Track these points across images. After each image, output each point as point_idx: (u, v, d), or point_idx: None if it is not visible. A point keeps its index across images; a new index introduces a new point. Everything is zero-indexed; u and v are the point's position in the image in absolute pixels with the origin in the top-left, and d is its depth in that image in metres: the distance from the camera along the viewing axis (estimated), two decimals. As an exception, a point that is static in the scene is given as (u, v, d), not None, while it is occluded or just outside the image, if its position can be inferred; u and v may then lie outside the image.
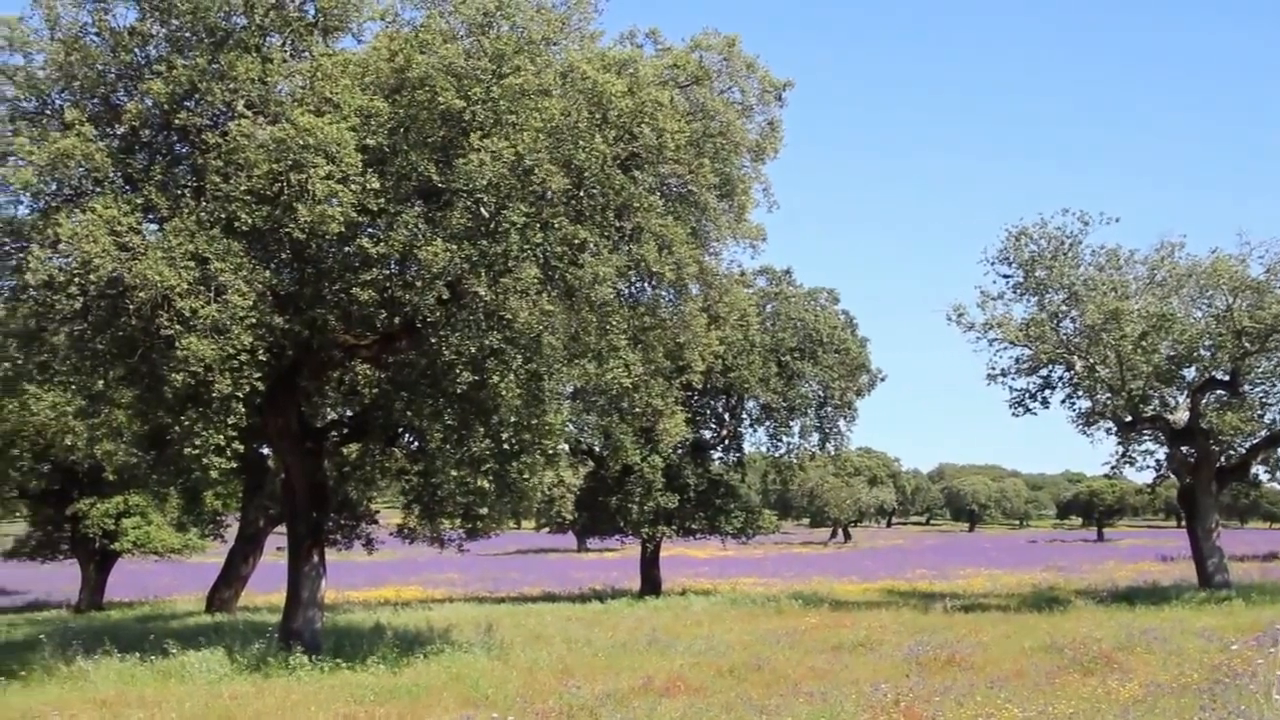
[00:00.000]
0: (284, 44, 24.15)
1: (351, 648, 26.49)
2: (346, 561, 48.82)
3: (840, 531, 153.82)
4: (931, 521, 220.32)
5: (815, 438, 52.55)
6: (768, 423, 51.77)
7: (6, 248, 24.30)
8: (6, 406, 34.04)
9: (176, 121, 23.22)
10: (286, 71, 23.58)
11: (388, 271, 24.07)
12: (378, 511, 42.11)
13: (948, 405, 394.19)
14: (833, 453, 56.38)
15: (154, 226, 23.32)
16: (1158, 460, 44.66)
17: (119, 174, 23.33)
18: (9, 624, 42.54)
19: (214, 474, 23.63)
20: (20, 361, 25.21)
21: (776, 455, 53.54)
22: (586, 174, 23.60)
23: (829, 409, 52.04)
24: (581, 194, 24.00)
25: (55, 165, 22.10)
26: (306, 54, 24.17)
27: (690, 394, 43.45)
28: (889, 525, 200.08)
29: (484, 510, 27.26)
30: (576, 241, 23.73)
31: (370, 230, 23.44)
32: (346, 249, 23.49)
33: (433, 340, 24.09)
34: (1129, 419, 42.14)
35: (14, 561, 58.33)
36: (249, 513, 45.05)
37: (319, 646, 26.34)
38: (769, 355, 48.68)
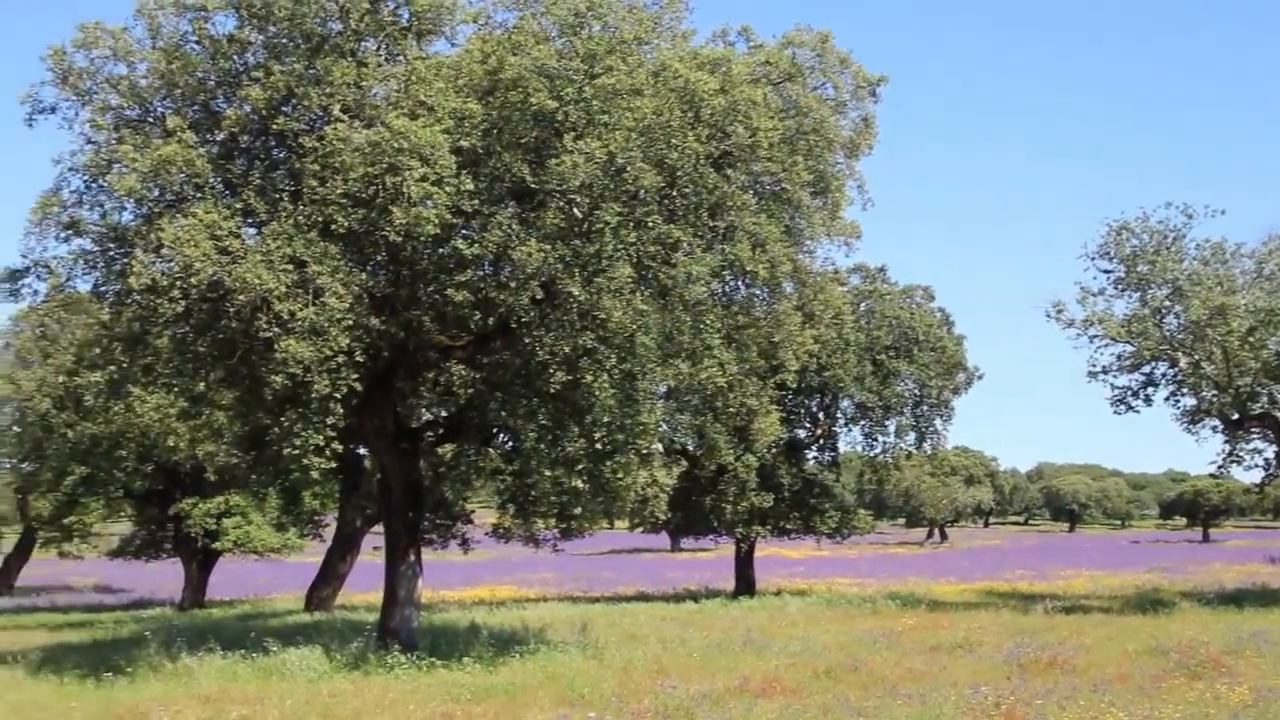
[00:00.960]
0: (379, 48, 24.43)
1: (448, 646, 26.66)
2: (441, 561, 49.27)
3: (936, 532, 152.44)
4: (1030, 522, 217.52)
5: (911, 437, 52.05)
6: (863, 422, 51.35)
7: (111, 253, 24.79)
8: (112, 409, 34.73)
9: (274, 127, 23.58)
10: (381, 75, 23.85)
11: (482, 272, 24.25)
12: (473, 511, 42.42)
13: (1046, 403, 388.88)
14: (929, 452, 55.77)
15: (253, 230, 23.69)
16: (1266, 459, 43.68)
17: (219, 179, 23.74)
18: (115, 621, 43.35)
19: (313, 474, 23.95)
20: (125, 365, 25.78)
21: (871, 455, 53.13)
22: (679, 173, 23.61)
23: (925, 407, 51.53)
24: (675, 193, 24.00)
25: (158, 172, 22.55)
26: (401, 58, 24.42)
27: (784, 393, 43.28)
28: (986, 525, 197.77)
29: (578, 510, 27.36)
30: (670, 241, 23.75)
31: (464, 231, 23.61)
32: (441, 250, 23.69)
33: (527, 340, 24.20)
34: (1236, 417, 41.32)
35: (120, 560, 59.44)
36: (346, 513, 45.50)
37: (416, 645, 26.56)
38: (864, 354, 48.29)
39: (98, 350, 27.33)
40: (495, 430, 28.82)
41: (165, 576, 60.34)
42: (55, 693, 22.72)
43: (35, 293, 25.82)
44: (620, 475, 25.23)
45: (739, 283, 26.59)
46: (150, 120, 24.50)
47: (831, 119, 26.38)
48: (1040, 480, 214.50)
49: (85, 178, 24.41)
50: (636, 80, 23.16)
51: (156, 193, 23.41)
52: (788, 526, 50.42)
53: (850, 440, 53.67)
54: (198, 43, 24.41)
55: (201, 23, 24.21)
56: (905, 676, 22.62)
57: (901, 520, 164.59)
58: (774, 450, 46.62)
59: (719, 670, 23.92)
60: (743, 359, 26.32)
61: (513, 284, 23.36)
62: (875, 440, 51.89)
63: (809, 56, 26.79)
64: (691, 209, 24.22)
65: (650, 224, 23.51)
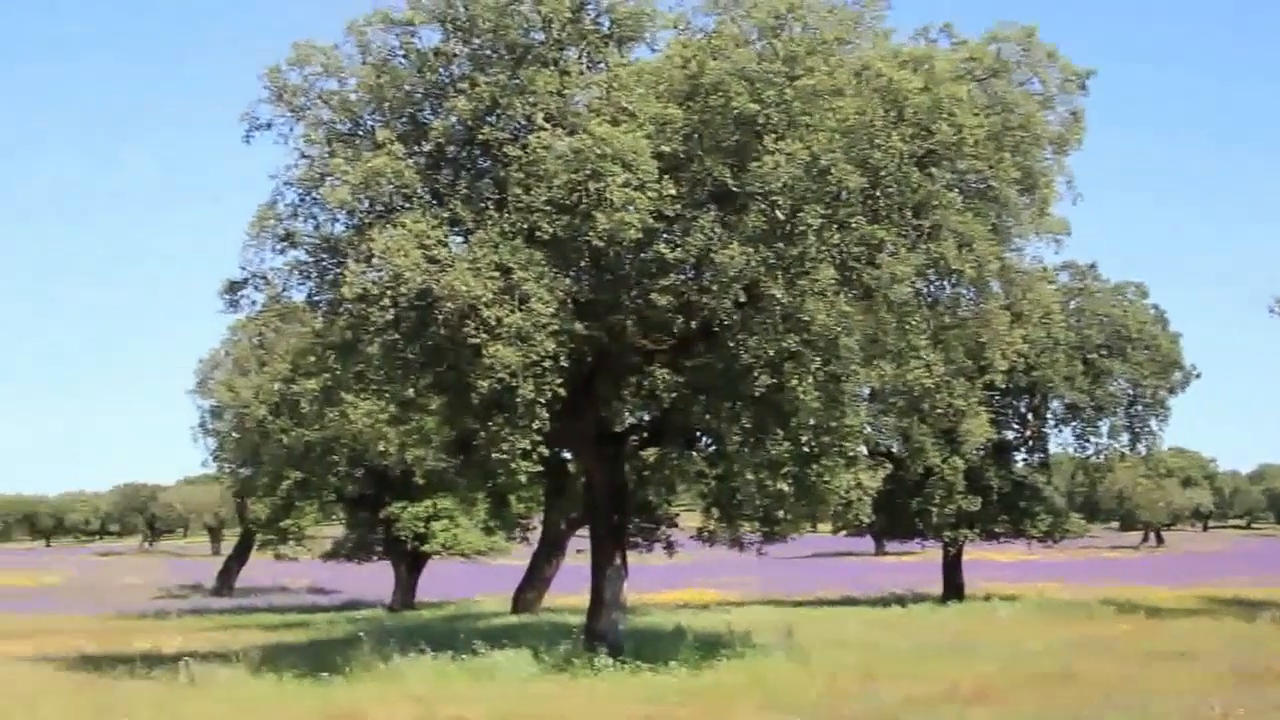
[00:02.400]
0: (580, 56, 24.62)
1: (653, 649, 26.71)
2: (644, 564, 49.44)
3: (1152, 535, 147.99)
4: (1253, 525, 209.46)
5: (1125, 438, 50.56)
6: (1074, 423, 50.06)
7: (324, 264, 25.43)
8: (326, 415, 35.69)
9: (479, 137, 23.94)
10: (584, 83, 24.04)
11: (684, 276, 24.31)
12: (676, 514, 42.54)
13: (1270, 403, 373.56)
14: (1143, 453, 54.09)
15: (460, 239, 24.09)
16: None
17: (426, 189, 24.19)
18: (329, 621, 44.62)
19: (519, 478, 24.28)
20: (338, 372, 26.43)
21: (1083, 456, 51.84)
22: (883, 173, 23.34)
23: (1139, 407, 49.99)
24: (878, 193, 23.73)
25: (368, 183, 23.09)
26: (602, 65, 24.58)
27: (992, 394, 42.39)
28: (1205, 529, 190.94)
29: (783, 513, 27.20)
30: (874, 241, 23.48)
31: (666, 236, 23.64)
32: (643, 255, 23.77)
33: (730, 343, 24.14)
34: None
35: (332, 562, 61.28)
36: (551, 516, 46.05)
37: (622, 647, 26.67)
38: (1074, 353, 47.06)
39: (312, 358, 28.06)
40: (698, 433, 28.85)
41: (376, 578, 61.85)
42: (275, 691, 23.33)
43: (253, 303, 26.63)
44: (826, 478, 25.01)
45: (945, 282, 26.10)
46: (360, 134, 25.10)
47: (1039, 114, 25.73)
48: (1263, 482, 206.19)
49: (299, 191, 25.11)
50: (838, 80, 22.95)
51: (367, 204, 23.95)
52: (996, 530, 49.57)
53: (1061, 442, 52.38)
54: (405, 57, 24.95)
55: (408, 37, 24.76)
56: (1122, 685, 21.92)
57: (1115, 523, 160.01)
58: (981, 452, 45.69)
59: (927, 675, 23.52)
60: (949, 360, 25.88)
61: (715, 287, 23.34)
62: (1087, 441, 50.55)
63: (1014, 51, 26.17)
64: (895, 209, 23.91)
65: (854, 225, 23.28)
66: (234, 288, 26.18)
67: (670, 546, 43.10)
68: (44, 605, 62.10)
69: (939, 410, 27.31)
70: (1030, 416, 50.65)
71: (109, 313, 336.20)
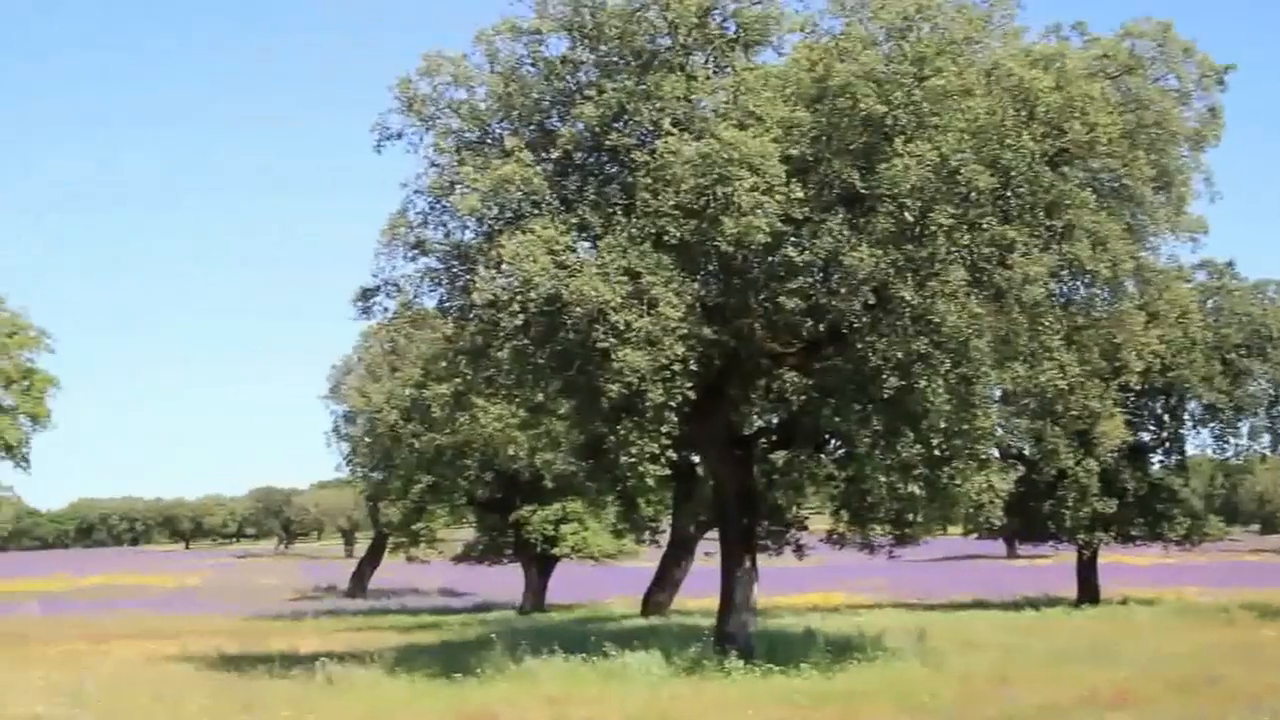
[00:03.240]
0: (707, 61, 24.67)
1: (784, 652, 26.64)
2: (772, 566, 49.24)
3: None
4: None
5: (1266, 439, 49.32)
6: (1212, 424, 48.93)
7: (455, 270, 25.75)
8: (457, 419, 36.11)
9: (607, 143, 24.11)
10: (710, 88, 24.06)
11: (812, 279, 24.23)
12: (806, 517, 42.36)
13: None
14: (1286, 455, 52.84)
15: (588, 244, 24.24)
16: None
17: (555, 196, 24.37)
18: (461, 623, 45.13)
19: (648, 481, 24.33)
20: (469, 377, 26.77)
21: (1222, 458, 50.72)
22: (1014, 173, 23.09)
23: (1281, 408, 48.79)
24: (1009, 193, 23.47)
25: (497, 190, 23.34)
26: (729, 69, 24.59)
27: (1127, 395, 41.63)
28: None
29: (915, 516, 27.01)
30: (1005, 242, 23.25)
31: (795, 239, 23.55)
32: (771, 258, 23.72)
33: (859, 346, 24.02)
34: None
35: (463, 565, 61.94)
36: (680, 519, 46.11)
37: (753, 650, 26.63)
38: (1212, 353, 45.97)
39: (443, 363, 28.43)
40: (828, 436, 28.70)
41: (506, 580, 62.41)
42: (409, 691, 23.62)
43: (385, 310, 27.04)
44: (957, 481, 24.79)
45: (1078, 283, 25.76)
46: (489, 141, 25.37)
47: (1175, 111, 25.30)
48: None
49: (430, 199, 25.44)
50: (967, 80, 22.77)
51: (496, 211, 24.19)
52: (1132, 533, 48.74)
53: (1199, 443, 51.42)
54: (533, 65, 25.19)
55: (536, 46, 24.99)
56: (1269, 692, 21.28)
57: (1256, 526, 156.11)
58: (1117, 454, 44.88)
59: (1064, 680, 23.17)
60: (1084, 361, 25.51)
61: (844, 290, 23.29)
62: (1226, 443, 49.41)
63: (1149, 47, 25.76)
64: (1027, 209, 23.63)
65: (984, 225, 23.08)
66: (366, 295, 26.60)
67: (800, 549, 42.89)
68: (185, 606, 63.59)
69: (1073, 412, 26.94)
70: (1167, 418, 49.61)
71: (246, 320, 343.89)
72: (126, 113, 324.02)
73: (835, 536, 34.18)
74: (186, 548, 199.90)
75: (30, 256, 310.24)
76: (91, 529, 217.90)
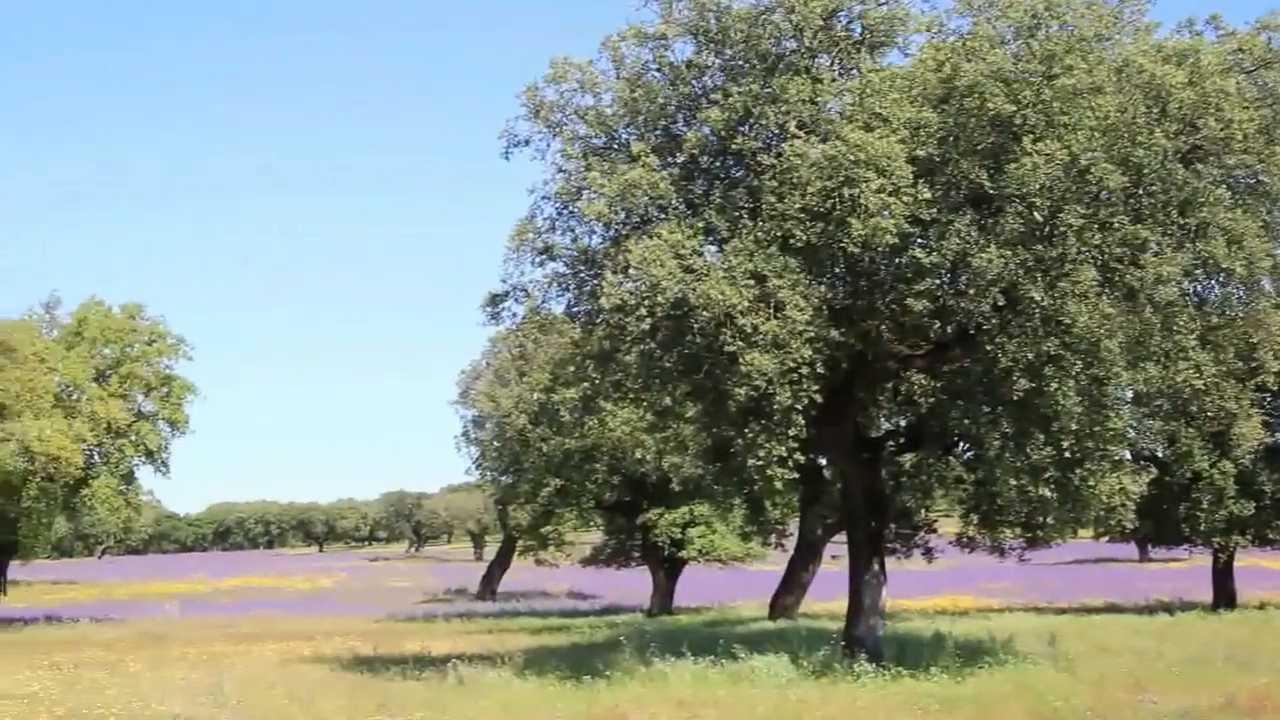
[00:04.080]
0: (832, 63, 24.63)
1: (913, 656, 26.46)
2: (900, 569, 48.96)
3: None
4: None
5: None
6: (1359, 424, 47.54)
7: (582, 275, 25.98)
8: (586, 423, 36.42)
9: (733, 146, 24.18)
10: (836, 90, 24.03)
11: (940, 280, 24.10)
12: (935, 520, 42.04)
13: None
14: None
15: (714, 248, 24.29)
16: None
17: (681, 200, 24.51)
18: (590, 626, 45.41)
19: (776, 484, 24.30)
20: (597, 381, 26.94)
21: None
22: (1146, 171, 22.76)
23: None
24: (1140, 192, 23.14)
25: (624, 195, 23.53)
26: (855, 71, 24.53)
27: (1264, 395, 40.64)
28: None
29: (1046, 519, 26.69)
30: (1137, 241, 22.92)
31: (922, 240, 23.45)
32: (898, 260, 23.63)
33: (988, 348, 23.78)
34: None
35: (591, 568, 62.32)
36: (808, 521, 45.96)
37: (881, 654, 26.50)
38: (1355, 352, 44.71)
39: (571, 368, 28.62)
40: (956, 439, 28.49)
41: (634, 583, 62.70)
42: (539, 693, 23.80)
43: (514, 315, 27.35)
44: (1089, 483, 24.44)
45: (1213, 281, 25.29)
46: (615, 147, 25.57)
47: (1315, 105, 24.69)
48: None
49: (557, 205, 25.72)
50: (1097, 78, 22.48)
51: (623, 216, 24.36)
52: (1270, 536, 47.48)
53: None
54: (658, 70, 25.35)
55: (662, 51, 25.14)
56: None
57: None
58: (1254, 455, 43.86)
59: (1201, 686, 22.66)
60: (1219, 361, 24.98)
61: (972, 291, 23.11)
62: (1367, 443, 47.93)
63: (1287, 41, 25.17)
64: (1159, 207, 23.26)
65: (1116, 225, 22.77)
66: (495, 300, 26.94)
67: (929, 552, 42.59)
68: (319, 608, 64.84)
69: (1208, 413, 26.39)
70: (1307, 419, 48.26)
71: (378, 326, 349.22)
72: (269, 111, 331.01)
73: (965, 539, 33.82)
74: (320, 551, 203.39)
75: (171, 264, 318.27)
76: (228, 532, 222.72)
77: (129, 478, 53.57)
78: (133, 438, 51.68)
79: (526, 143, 26.12)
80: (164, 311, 62.94)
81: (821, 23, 23.87)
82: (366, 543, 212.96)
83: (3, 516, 50.69)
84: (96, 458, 51.38)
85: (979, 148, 23.12)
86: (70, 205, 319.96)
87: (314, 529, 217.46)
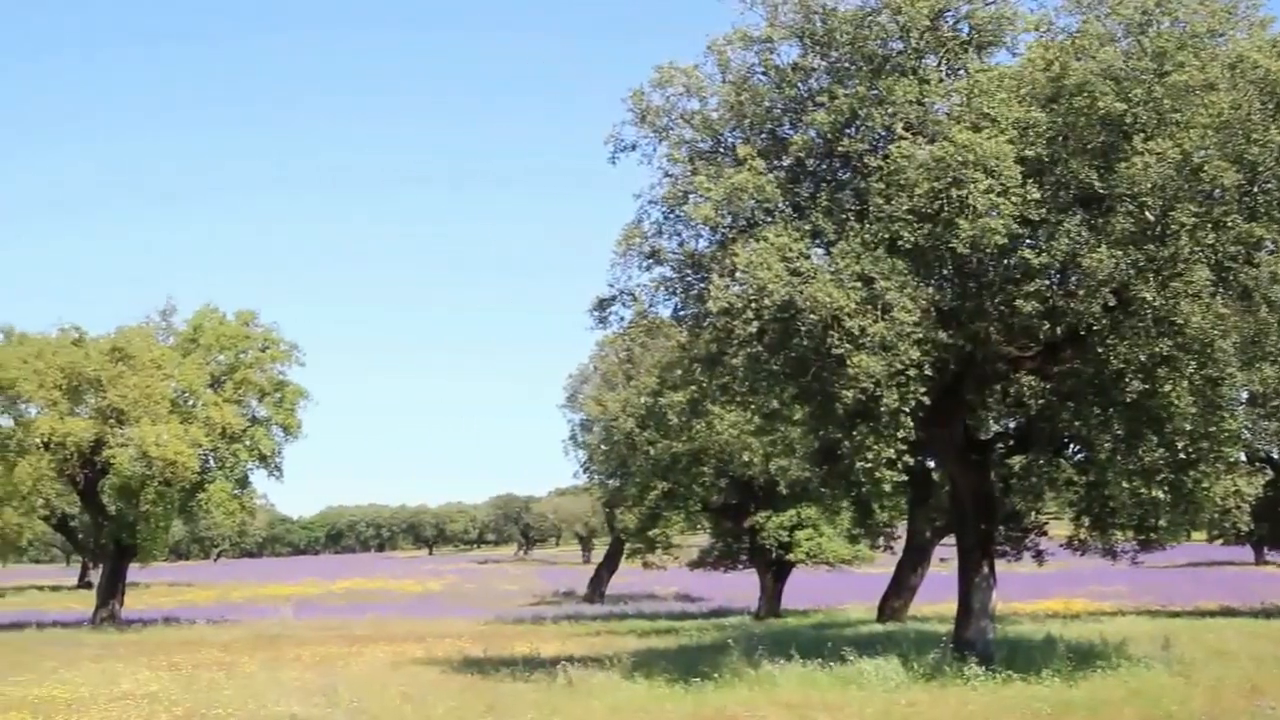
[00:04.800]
0: (939, 64, 24.55)
1: (1024, 659, 26.19)
2: (1009, 572, 48.57)
3: None
4: None
5: None
6: None
7: (689, 279, 26.10)
8: (693, 426, 36.58)
9: (839, 149, 24.19)
10: (943, 91, 23.92)
11: (1050, 281, 23.88)
12: (1045, 523, 41.57)
13: None
14: None
15: (821, 250, 24.32)
16: None
17: (787, 203, 24.56)
18: (698, 628, 45.45)
19: (884, 486, 24.27)
20: (704, 384, 27.06)
21: None
22: (1260, 168, 22.38)
23: None
24: (1255, 189, 22.76)
25: (730, 199, 23.64)
26: (962, 71, 24.43)
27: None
28: None
29: (1159, 522, 26.33)
30: (1252, 240, 22.58)
31: (1031, 241, 23.30)
32: (1007, 261, 23.49)
33: (1099, 349, 23.57)
34: None
35: (699, 570, 62.38)
36: (916, 524, 45.69)
37: (992, 657, 26.29)
38: None
39: (678, 371, 28.79)
40: (1067, 440, 28.17)
41: (741, 586, 62.70)
42: (647, 695, 23.89)
43: (621, 319, 27.55)
44: (1204, 485, 24.08)
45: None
46: (721, 150, 25.69)
47: None
48: None
49: (664, 209, 25.86)
50: (1210, 75, 22.16)
51: (729, 219, 24.47)
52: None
53: None
54: (764, 73, 25.41)
55: (767, 54, 25.21)
56: None
57: None
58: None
59: (1324, 693, 22.27)
60: (1339, 361, 24.50)
61: (1082, 292, 22.90)
62: None
63: None
64: (1275, 205, 22.85)
65: (1229, 223, 22.42)
66: (603, 304, 27.14)
67: (1039, 555, 42.08)
68: (429, 610, 65.52)
69: (1326, 415, 25.93)
70: None
71: (486, 331, 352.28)
72: (380, 111, 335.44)
73: (1076, 542, 33.34)
74: (430, 554, 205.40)
75: (283, 268, 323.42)
76: (340, 535, 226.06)
77: (243, 482, 54.52)
78: (247, 442, 52.61)
79: (633, 147, 26.31)
80: (276, 317, 63.96)
81: (928, 23, 23.82)
82: (475, 546, 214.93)
83: (122, 520, 51.87)
84: (212, 462, 52.36)
85: (1089, 147, 22.90)
86: (182, 207, 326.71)
87: (424, 532, 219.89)
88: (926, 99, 23.67)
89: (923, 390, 22.54)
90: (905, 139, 22.87)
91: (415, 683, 26.29)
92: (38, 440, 47.74)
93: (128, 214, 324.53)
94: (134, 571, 60.18)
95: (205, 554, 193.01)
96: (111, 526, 52.80)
